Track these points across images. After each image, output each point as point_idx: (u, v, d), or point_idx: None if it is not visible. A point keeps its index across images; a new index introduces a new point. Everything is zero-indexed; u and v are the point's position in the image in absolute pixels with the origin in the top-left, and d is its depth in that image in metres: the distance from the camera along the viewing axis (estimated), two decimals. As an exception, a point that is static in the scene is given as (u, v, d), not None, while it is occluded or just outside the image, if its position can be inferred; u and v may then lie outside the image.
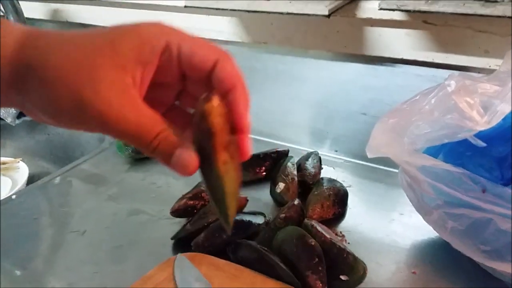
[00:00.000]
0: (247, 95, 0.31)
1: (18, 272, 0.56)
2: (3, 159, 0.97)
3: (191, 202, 0.63)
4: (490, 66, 0.61)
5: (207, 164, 0.30)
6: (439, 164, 0.42)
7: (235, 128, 0.31)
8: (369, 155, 0.47)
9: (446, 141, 0.44)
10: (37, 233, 0.65)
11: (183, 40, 0.30)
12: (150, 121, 0.30)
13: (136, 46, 0.29)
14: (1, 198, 0.74)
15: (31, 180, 0.89)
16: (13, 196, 0.73)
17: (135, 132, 0.29)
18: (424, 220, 0.50)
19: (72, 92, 0.28)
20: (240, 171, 0.32)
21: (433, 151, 0.53)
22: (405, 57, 0.67)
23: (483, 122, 0.42)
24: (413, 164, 0.44)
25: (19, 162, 0.95)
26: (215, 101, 0.29)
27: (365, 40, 0.69)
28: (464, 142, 0.53)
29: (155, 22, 0.31)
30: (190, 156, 0.30)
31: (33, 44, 0.30)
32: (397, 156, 0.45)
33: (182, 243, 0.58)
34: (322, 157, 0.75)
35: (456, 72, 0.46)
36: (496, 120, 0.42)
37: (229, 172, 0.31)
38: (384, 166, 0.74)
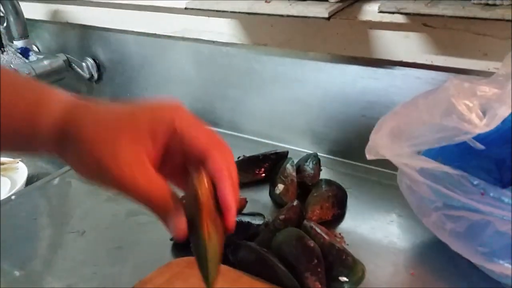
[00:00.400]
0: (233, 186, 0.37)
1: (17, 273, 0.56)
2: (2, 159, 0.97)
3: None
4: (489, 69, 0.61)
5: (194, 232, 0.37)
6: (438, 166, 0.42)
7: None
8: (368, 157, 0.47)
9: (444, 143, 0.44)
10: (36, 233, 0.65)
11: (187, 127, 0.37)
12: (158, 189, 0.37)
13: (151, 127, 0.37)
14: (1, 199, 0.74)
15: (30, 180, 0.89)
16: (13, 197, 0.73)
17: (145, 198, 0.36)
18: (423, 222, 0.50)
19: (98, 162, 0.36)
20: (222, 242, 0.38)
21: (432, 154, 0.53)
22: (404, 60, 0.67)
23: (482, 125, 0.42)
24: (412, 166, 0.44)
25: (18, 162, 0.95)
26: (204, 183, 0.36)
27: (365, 43, 0.69)
28: (463, 145, 0.53)
29: (170, 102, 0.39)
30: (181, 225, 0.37)
31: (72, 117, 0.37)
32: (396, 158, 0.45)
33: (181, 244, 0.58)
34: (321, 159, 0.76)
35: (455, 75, 0.46)
36: (495, 123, 0.42)
37: (211, 242, 0.37)
38: (383, 168, 0.74)
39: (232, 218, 0.37)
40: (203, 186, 0.36)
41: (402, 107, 0.47)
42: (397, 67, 0.69)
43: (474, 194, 0.39)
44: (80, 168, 0.38)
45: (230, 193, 0.37)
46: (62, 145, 0.38)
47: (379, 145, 0.45)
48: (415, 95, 0.52)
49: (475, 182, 0.40)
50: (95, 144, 0.36)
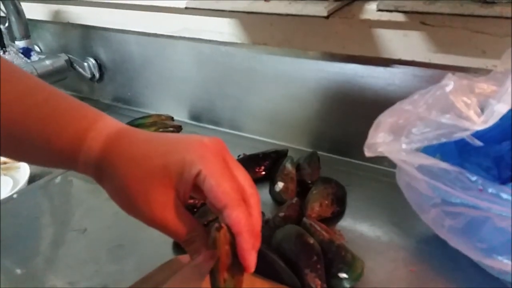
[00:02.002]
0: (249, 239, 0.39)
1: (18, 271, 0.57)
2: (4, 159, 0.97)
3: (191, 201, 0.63)
4: (487, 67, 0.61)
5: (213, 276, 0.40)
6: (437, 163, 0.42)
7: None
8: (367, 154, 0.47)
9: (443, 140, 0.44)
10: (38, 232, 0.65)
11: (210, 175, 0.39)
12: (184, 228, 0.40)
13: (180, 173, 0.39)
14: (2, 198, 0.74)
15: (32, 180, 0.89)
16: (14, 195, 0.73)
17: (174, 236, 0.41)
18: (422, 218, 0.50)
19: (131, 201, 0.40)
20: (242, 281, 0.41)
21: (431, 151, 0.53)
22: (403, 58, 0.68)
23: (480, 122, 0.42)
24: (410, 163, 0.44)
25: (20, 162, 0.95)
26: (222, 232, 0.39)
27: (364, 41, 0.69)
28: (462, 142, 0.54)
29: (198, 144, 0.41)
30: (206, 263, 0.40)
31: (110, 153, 0.41)
32: (395, 155, 0.45)
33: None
34: (320, 157, 0.76)
35: (453, 73, 0.47)
36: (493, 120, 0.43)
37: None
38: (383, 166, 0.74)
39: (250, 267, 0.40)
40: (221, 240, 0.39)
41: (400, 104, 0.47)
42: (396, 65, 0.69)
43: (472, 190, 0.40)
44: (115, 198, 0.41)
45: (247, 248, 0.39)
46: (100, 176, 0.41)
47: (378, 142, 0.45)
48: (413, 93, 0.52)
49: (473, 179, 0.40)
50: (129, 184, 0.39)
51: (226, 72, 0.89)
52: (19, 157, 0.45)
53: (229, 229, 0.40)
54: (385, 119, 0.47)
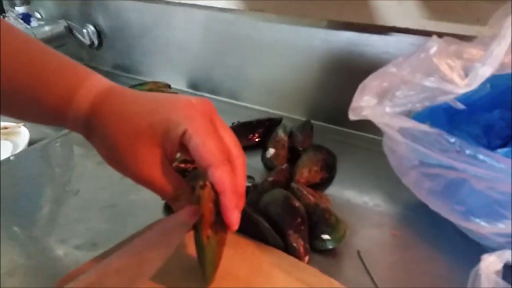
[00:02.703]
0: (232, 199, 0.40)
1: (16, 229, 0.58)
2: (4, 124, 0.98)
3: (183, 165, 0.64)
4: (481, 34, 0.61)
5: (197, 233, 0.41)
6: (417, 125, 0.43)
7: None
8: (351, 118, 0.47)
9: (427, 104, 0.44)
10: (33, 192, 0.66)
11: (195, 134, 0.39)
12: (170, 186, 0.41)
13: (166, 131, 0.40)
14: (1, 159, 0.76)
15: (31, 144, 0.91)
16: (11, 157, 0.75)
17: (160, 192, 0.42)
18: (403, 181, 0.51)
19: (119, 158, 0.41)
20: (223, 244, 0.43)
21: (421, 118, 0.53)
22: (397, 25, 0.67)
23: (463, 85, 0.42)
24: (392, 126, 0.44)
25: (20, 127, 0.97)
26: (206, 191, 0.40)
27: (360, 8, 0.69)
28: (451, 110, 0.54)
29: (185, 103, 0.41)
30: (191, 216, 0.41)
31: (99, 111, 0.41)
32: (378, 118, 0.45)
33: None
34: (315, 125, 0.76)
35: (440, 36, 0.46)
36: (477, 83, 0.43)
37: (211, 245, 0.41)
38: (376, 135, 0.75)
39: (232, 226, 0.41)
40: (205, 198, 0.40)
41: (385, 68, 0.47)
42: (391, 33, 0.69)
43: (450, 152, 0.40)
44: (103, 155, 0.43)
45: (229, 206, 0.40)
46: (89, 133, 0.42)
47: (362, 106, 0.46)
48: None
49: (452, 140, 0.40)
50: (117, 141, 0.40)
51: (224, 41, 0.89)
52: (10, 113, 0.46)
53: (213, 187, 0.40)
54: (370, 83, 0.47)
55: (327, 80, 0.78)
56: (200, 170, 0.42)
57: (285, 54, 0.81)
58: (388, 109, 0.45)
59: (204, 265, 0.42)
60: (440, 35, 0.63)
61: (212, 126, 0.41)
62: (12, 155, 0.76)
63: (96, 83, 0.43)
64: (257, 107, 0.90)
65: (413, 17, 0.65)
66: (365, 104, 0.45)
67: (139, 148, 0.40)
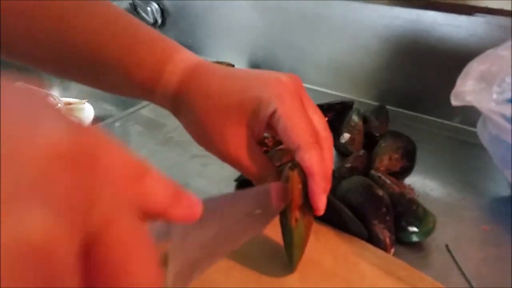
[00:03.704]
0: (322, 184, 0.38)
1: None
2: (67, 99, 1.00)
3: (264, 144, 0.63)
4: None
5: (284, 216, 0.40)
6: (533, 114, 0.39)
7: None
8: (454, 103, 0.44)
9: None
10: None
11: (285, 115, 0.38)
12: (257, 167, 0.41)
13: (255, 110, 0.39)
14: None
15: (95, 121, 0.92)
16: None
17: (247, 173, 0.41)
18: (505, 174, 0.47)
19: (206, 135, 0.40)
20: (309, 229, 0.41)
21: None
22: (489, 6, 0.62)
23: None
24: (501, 114, 0.41)
25: (84, 103, 0.98)
26: (296, 172, 0.39)
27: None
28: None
29: (275, 81, 0.39)
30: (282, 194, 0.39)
31: (187, 86, 0.41)
32: (484, 104, 0.42)
33: (244, 185, 0.58)
34: (389, 111, 0.73)
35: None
36: None
37: (298, 228, 0.40)
38: (454, 122, 0.71)
39: (320, 209, 0.39)
40: (295, 180, 0.39)
41: (495, 50, 0.43)
42: (481, 14, 0.64)
43: None
44: (190, 131, 0.42)
45: (317, 191, 0.39)
46: (177, 108, 0.42)
47: (466, 91, 0.42)
48: (497, 45, 0.48)
49: None
50: (205, 119, 0.40)
51: (290, 19, 0.86)
52: (99, 86, 0.46)
53: (301, 169, 0.39)
54: (476, 66, 0.43)
55: (403, 62, 0.75)
56: (285, 150, 0.40)
57: (357, 34, 0.78)
58: (495, 96, 0.41)
59: (291, 250, 0.41)
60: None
61: (301, 106, 0.40)
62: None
63: (184, 58, 0.42)
64: (323, 90, 0.87)
65: (509, -3, 0.60)
66: (469, 88, 0.42)
67: (227, 126, 0.39)
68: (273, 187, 0.39)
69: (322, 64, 0.85)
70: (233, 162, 0.41)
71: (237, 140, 0.40)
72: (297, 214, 0.40)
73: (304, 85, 0.88)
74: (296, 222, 0.40)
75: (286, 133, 0.38)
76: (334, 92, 0.85)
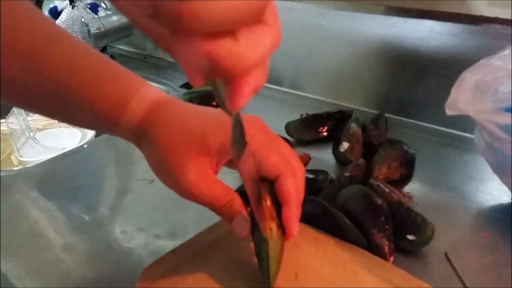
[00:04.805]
0: (296, 211, 0.39)
1: (86, 217, 0.59)
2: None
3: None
4: None
5: (257, 231, 0.39)
6: (526, 122, 0.39)
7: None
8: (448, 113, 0.44)
9: (534, 99, 0.41)
10: (107, 181, 0.68)
11: (257, 150, 0.39)
12: (219, 195, 0.40)
13: (220, 144, 0.39)
14: (72, 148, 0.78)
15: (99, 133, 0.93)
16: (85, 146, 0.76)
17: (208, 203, 0.40)
18: (502, 181, 0.48)
19: (167, 169, 0.40)
20: (283, 248, 0.41)
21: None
22: (485, 15, 0.63)
23: None
24: (495, 123, 0.41)
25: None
26: (266, 185, 0.39)
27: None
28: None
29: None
30: (244, 224, 0.40)
31: (150, 121, 0.41)
32: (478, 114, 0.42)
33: (245, 196, 0.59)
34: (388, 119, 0.73)
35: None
36: None
37: (273, 238, 0.39)
38: (452, 129, 0.71)
39: (293, 235, 0.40)
40: (266, 192, 0.39)
41: (488, 60, 0.44)
42: (477, 23, 0.65)
43: None
44: (151, 163, 0.42)
45: (292, 218, 0.39)
46: (140, 141, 0.42)
47: (461, 100, 0.43)
48: (492, 54, 0.49)
49: None
50: (167, 151, 0.40)
51: (289, 29, 0.87)
52: (63, 119, 0.47)
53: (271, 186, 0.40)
54: (470, 76, 0.44)
55: (400, 71, 0.75)
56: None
57: (355, 44, 0.79)
58: (490, 105, 0.42)
59: (266, 262, 0.40)
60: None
61: (268, 140, 0.41)
62: (84, 143, 0.78)
63: (149, 92, 0.43)
64: (322, 99, 0.87)
65: (504, 6, 0.61)
66: (464, 98, 0.43)
67: (187, 158, 0.39)
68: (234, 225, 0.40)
69: (321, 74, 0.86)
70: (192, 194, 0.40)
71: (197, 171, 0.40)
72: (271, 224, 0.39)
73: (304, 94, 0.90)
74: (271, 231, 0.39)
75: (262, 166, 0.39)
76: (333, 101, 0.85)
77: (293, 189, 0.39)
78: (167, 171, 0.40)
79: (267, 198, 0.39)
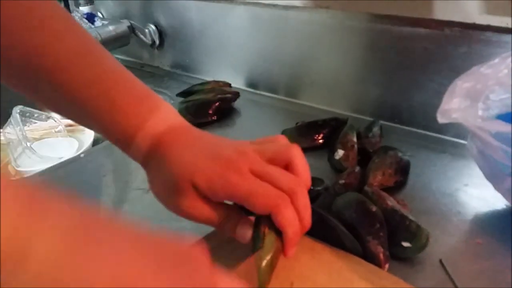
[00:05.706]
0: (294, 239, 0.41)
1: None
2: (69, 121, 1.01)
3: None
4: None
5: (254, 232, 0.43)
6: (516, 130, 0.40)
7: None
8: (440, 121, 0.45)
9: (524, 107, 0.41)
10: (103, 190, 0.68)
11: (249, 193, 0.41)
12: (216, 217, 0.43)
13: (206, 187, 0.42)
14: (69, 157, 0.78)
15: (96, 142, 0.93)
16: (82, 155, 0.77)
17: (208, 222, 0.44)
18: (495, 188, 0.48)
19: (165, 202, 0.45)
20: (278, 259, 0.42)
21: (509, 118, 0.50)
22: (477, 22, 0.64)
23: None
24: (487, 130, 0.42)
25: (84, 125, 0.99)
26: (269, 238, 0.41)
27: (435, 3, 0.66)
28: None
29: (242, 151, 0.44)
30: (246, 230, 0.44)
31: (160, 145, 0.45)
32: (470, 121, 0.43)
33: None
34: (382, 126, 0.74)
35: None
36: None
37: (269, 235, 0.42)
38: (447, 136, 0.72)
39: (290, 256, 0.42)
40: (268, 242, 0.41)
41: (479, 68, 0.45)
42: (471, 30, 0.65)
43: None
44: (153, 187, 0.46)
45: (290, 244, 0.41)
46: (146, 164, 0.47)
47: (452, 108, 0.43)
48: (484, 61, 0.49)
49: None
50: (164, 192, 0.45)
51: (284, 38, 0.87)
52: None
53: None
54: (461, 84, 0.44)
55: (394, 78, 0.76)
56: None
57: (350, 53, 0.79)
58: (481, 112, 0.42)
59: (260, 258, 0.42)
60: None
61: (252, 177, 0.42)
62: (81, 152, 0.78)
63: (162, 118, 0.47)
64: (318, 106, 0.88)
65: (495, 13, 0.61)
66: (455, 106, 0.43)
67: (181, 194, 0.43)
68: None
69: (317, 81, 0.87)
70: (191, 214, 0.44)
71: (191, 203, 0.43)
72: (266, 229, 0.42)
73: (299, 101, 0.91)
74: (265, 236, 0.42)
75: (257, 203, 0.40)
76: (328, 109, 0.86)
77: (289, 220, 0.40)
78: (165, 205, 0.45)
79: (267, 232, 0.41)
